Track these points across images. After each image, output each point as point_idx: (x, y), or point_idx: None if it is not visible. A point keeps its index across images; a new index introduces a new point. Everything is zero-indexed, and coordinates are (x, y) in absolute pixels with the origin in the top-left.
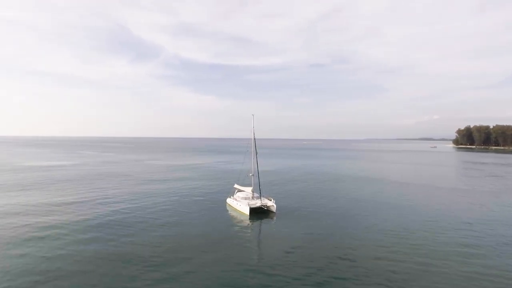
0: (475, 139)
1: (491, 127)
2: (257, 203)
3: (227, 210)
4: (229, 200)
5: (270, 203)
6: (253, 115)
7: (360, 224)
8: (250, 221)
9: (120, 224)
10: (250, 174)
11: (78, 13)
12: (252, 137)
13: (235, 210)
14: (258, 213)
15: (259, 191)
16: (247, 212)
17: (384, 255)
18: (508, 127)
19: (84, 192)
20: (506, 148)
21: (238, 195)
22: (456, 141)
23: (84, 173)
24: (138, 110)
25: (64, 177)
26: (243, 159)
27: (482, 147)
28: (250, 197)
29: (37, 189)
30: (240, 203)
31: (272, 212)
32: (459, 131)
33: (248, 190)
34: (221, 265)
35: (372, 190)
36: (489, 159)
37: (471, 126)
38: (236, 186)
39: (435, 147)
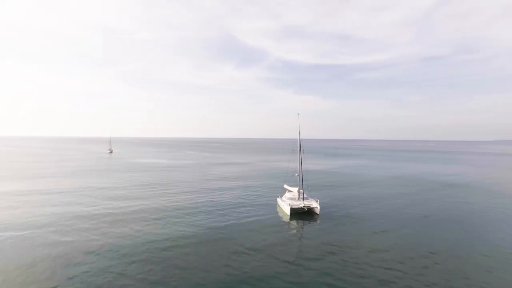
0: None
1: None
2: (300, 204)
3: (276, 210)
4: (278, 200)
5: (314, 204)
6: (298, 114)
7: (423, 240)
8: (289, 221)
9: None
10: (296, 174)
11: (194, 28)
12: (298, 137)
13: (281, 210)
14: (299, 213)
15: (302, 192)
16: (288, 212)
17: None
18: None
19: (160, 186)
20: None
21: (286, 195)
22: None
23: (177, 167)
24: (244, 112)
25: (159, 171)
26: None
27: None
28: (296, 198)
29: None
30: (284, 203)
31: (316, 213)
32: None
33: (295, 190)
34: (242, 262)
35: (460, 201)
36: None
37: None
38: (285, 186)
39: None
